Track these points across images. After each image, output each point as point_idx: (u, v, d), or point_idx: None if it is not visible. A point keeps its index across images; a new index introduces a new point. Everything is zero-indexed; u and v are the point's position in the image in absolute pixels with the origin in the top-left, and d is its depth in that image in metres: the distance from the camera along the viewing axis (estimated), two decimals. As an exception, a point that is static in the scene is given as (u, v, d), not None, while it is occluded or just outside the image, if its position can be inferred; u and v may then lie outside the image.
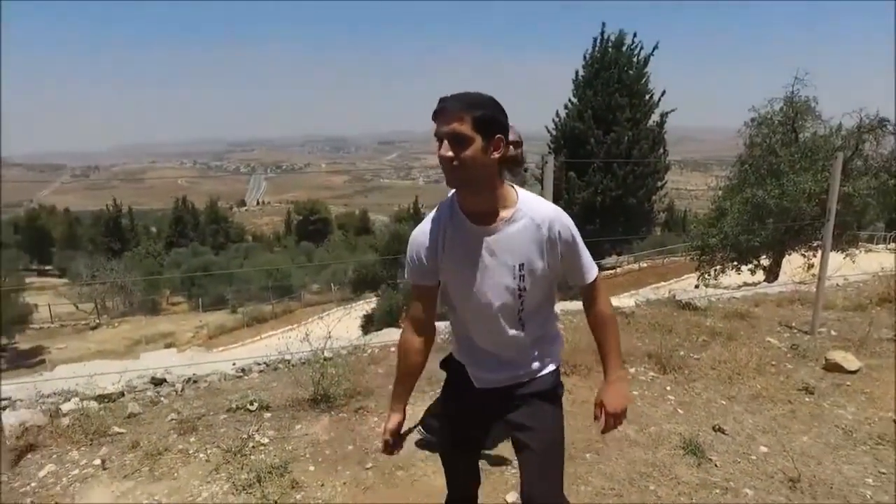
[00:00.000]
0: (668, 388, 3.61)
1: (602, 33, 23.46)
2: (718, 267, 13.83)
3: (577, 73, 24.97)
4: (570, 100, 25.87)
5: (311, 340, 3.80)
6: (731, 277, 12.99)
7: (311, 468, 2.70)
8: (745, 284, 9.00)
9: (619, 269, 22.29)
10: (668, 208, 28.42)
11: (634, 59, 22.09)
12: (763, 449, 2.92)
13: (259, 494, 2.44)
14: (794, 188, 10.78)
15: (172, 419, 3.14)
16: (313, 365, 3.47)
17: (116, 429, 3.05)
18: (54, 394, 3.52)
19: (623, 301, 5.35)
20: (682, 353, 4.17)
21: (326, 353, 4.12)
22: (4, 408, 3.36)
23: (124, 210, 49.69)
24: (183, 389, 3.66)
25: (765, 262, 13.35)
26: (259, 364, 4.09)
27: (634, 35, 22.28)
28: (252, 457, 2.76)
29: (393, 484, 2.58)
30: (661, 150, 22.50)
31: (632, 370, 3.84)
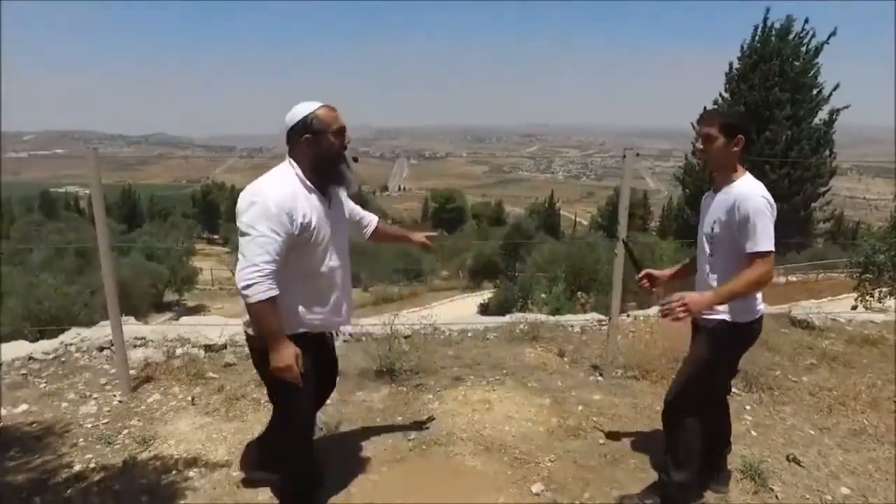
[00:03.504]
0: (748, 407, 3.32)
1: (765, 20, 21.17)
2: (886, 289, 11.99)
3: (730, 65, 22.90)
4: (720, 94, 23.83)
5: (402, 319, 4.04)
6: (896, 301, 11.20)
7: (359, 431, 2.92)
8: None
9: (763, 282, 20.12)
10: (833, 217, 25.00)
11: (802, 49, 19.67)
12: (844, 491, 2.60)
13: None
14: None
15: (256, 373, 3.55)
16: (384, 340, 3.69)
17: (211, 374, 3.53)
18: (175, 339, 4.13)
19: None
20: (777, 372, 3.79)
21: (406, 332, 4.37)
22: (138, 346, 4.03)
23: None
24: (275, 348, 4.10)
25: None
26: (345, 334, 4.42)
27: (806, 21, 19.79)
28: (312, 413, 3.05)
29: (427, 457, 2.70)
30: (828, 153, 19.90)
31: (712, 384, 3.57)
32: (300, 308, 2.01)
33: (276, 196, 1.86)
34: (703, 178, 23.11)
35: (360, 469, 2.57)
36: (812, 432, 3.09)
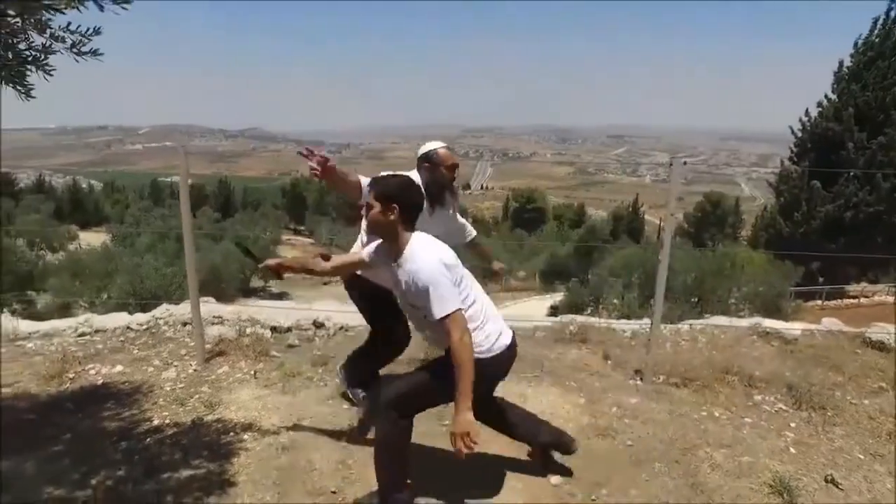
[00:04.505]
0: (794, 424, 3.22)
1: (888, 12, 19.39)
2: None
3: (840, 63, 21.16)
4: (825, 96, 22.08)
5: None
6: None
7: (399, 413, 3.15)
8: None
9: (863, 300, 18.57)
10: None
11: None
12: (882, 516, 2.51)
13: (348, 422, 2.97)
14: None
15: (315, 353, 3.88)
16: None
17: (275, 353, 3.90)
18: (247, 320, 4.56)
19: (789, 326, 4.73)
20: (836, 393, 3.62)
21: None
22: (215, 323, 4.49)
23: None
24: (334, 333, 4.43)
25: None
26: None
27: (930, 15, 18.04)
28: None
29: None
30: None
31: (758, 398, 3.49)
32: None
33: None
34: (799, 186, 21.58)
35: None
36: (861, 456, 2.97)
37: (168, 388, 3.37)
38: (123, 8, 1.92)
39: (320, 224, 43.77)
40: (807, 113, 21.77)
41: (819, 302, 19.92)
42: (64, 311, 10.78)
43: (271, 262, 2.47)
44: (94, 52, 2.14)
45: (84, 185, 56.23)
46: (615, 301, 12.93)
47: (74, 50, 2.13)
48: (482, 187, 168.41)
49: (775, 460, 2.85)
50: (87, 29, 2.12)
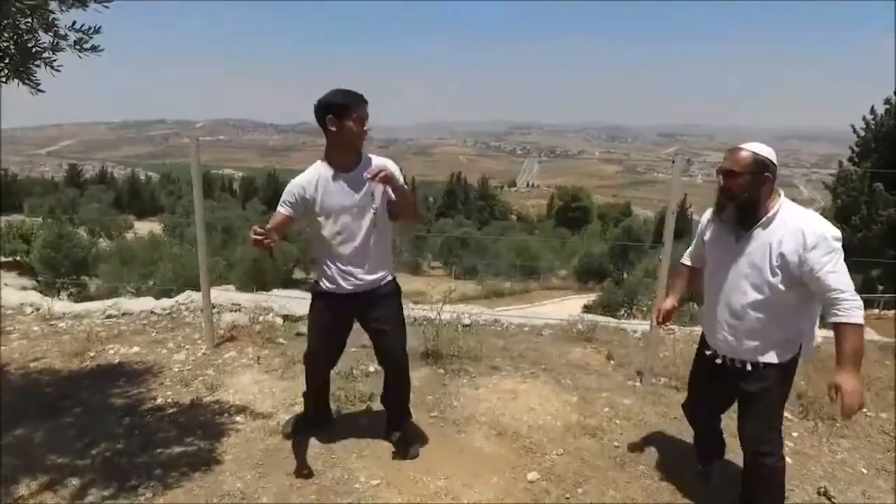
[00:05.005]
0: (796, 434, 3.10)
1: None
2: None
3: (911, 57, 19.78)
4: (894, 92, 20.79)
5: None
6: None
7: (390, 403, 3.21)
8: None
9: (926, 311, 17.44)
10: None
11: None
12: (874, 534, 2.40)
13: (337, 409, 3.05)
14: None
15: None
16: (429, 326, 3.95)
17: (281, 340, 4.03)
18: (262, 308, 4.72)
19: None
20: (851, 405, 3.45)
21: (465, 321, 4.59)
22: (233, 310, 4.67)
23: (408, 179, 57.47)
24: (344, 324, 4.53)
25: None
26: (409, 318, 4.74)
27: None
28: (353, 382, 3.39)
29: (442, 434, 2.91)
30: None
31: (763, 406, 3.37)
32: None
33: None
34: (859, 189, 20.44)
35: (378, 433, 2.85)
36: (864, 471, 2.84)
37: (176, 370, 3.54)
38: (105, 6, 2.04)
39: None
40: (872, 111, 20.57)
41: (877, 311, 18.87)
42: (113, 295, 11.41)
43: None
44: (95, 49, 2.28)
45: (142, 177, 59.00)
46: (649, 303, 12.63)
47: (77, 47, 2.27)
48: (528, 185, 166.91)
49: (768, 469, 2.76)
50: (89, 28, 2.26)
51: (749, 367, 2.14)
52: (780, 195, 2.05)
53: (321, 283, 2.51)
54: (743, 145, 2.05)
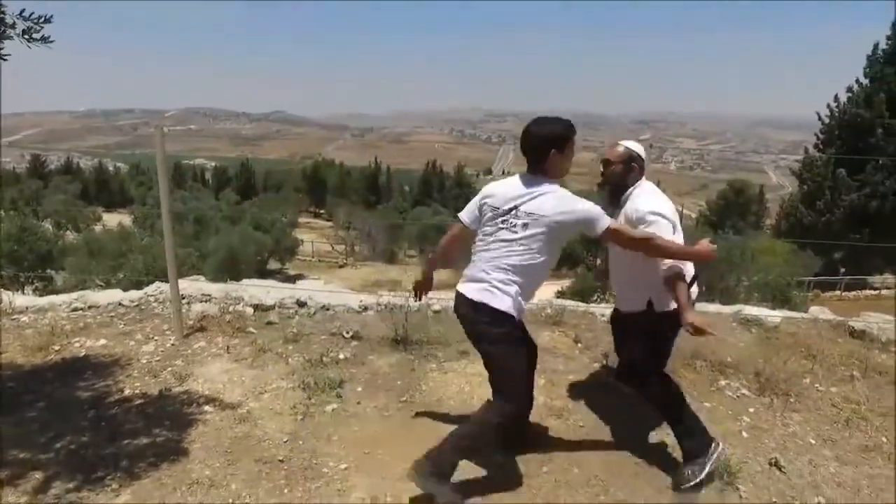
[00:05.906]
0: (752, 409, 3.23)
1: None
2: None
3: (875, 46, 20.45)
4: (856, 81, 21.36)
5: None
6: None
7: (360, 389, 3.25)
8: None
9: (884, 291, 18.13)
10: None
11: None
12: (819, 500, 2.54)
13: (307, 396, 3.08)
14: None
15: (289, 331, 3.99)
16: (397, 312, 3.99)
17: (251, 329, 4.02)
18: (233, 298, 4.69)
19: (771, 313, 4.69)
20: (806, 380, 3.61)
21: (435, 307, 4.63)
22: (203, 301, 4.63)
23: (384, 168, 57.10)
24: (315, 313, 4.53)
25: None
26: (380, 305, 4.76)
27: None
28: (323, 369, 3.42)
29: (410, 420, 2.96)
30: None
31: (723, 383, 3.50)
32: None
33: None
34: (823, 174, 21.02)
35: (352, 418, 2.89)
36: (813, 441, 2.99)
37: (144, 361, 3.52)
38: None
39: (339, 207, 44.20)
40: (836, 98, 21.13)
41: (838, 292, 19.53)
42: (81, 289, 11.14)
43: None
44: (45, 39, 2.23)
45: (111, 168, 57.45)
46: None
47: (26, 36, 2.22)
48: (504, 172, 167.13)
49: (725, 444, 2.87)
50: (39, 17, 2.21)
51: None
52: (643, 181, 2.53)
53: None
54: (621, 142, 2.62)
